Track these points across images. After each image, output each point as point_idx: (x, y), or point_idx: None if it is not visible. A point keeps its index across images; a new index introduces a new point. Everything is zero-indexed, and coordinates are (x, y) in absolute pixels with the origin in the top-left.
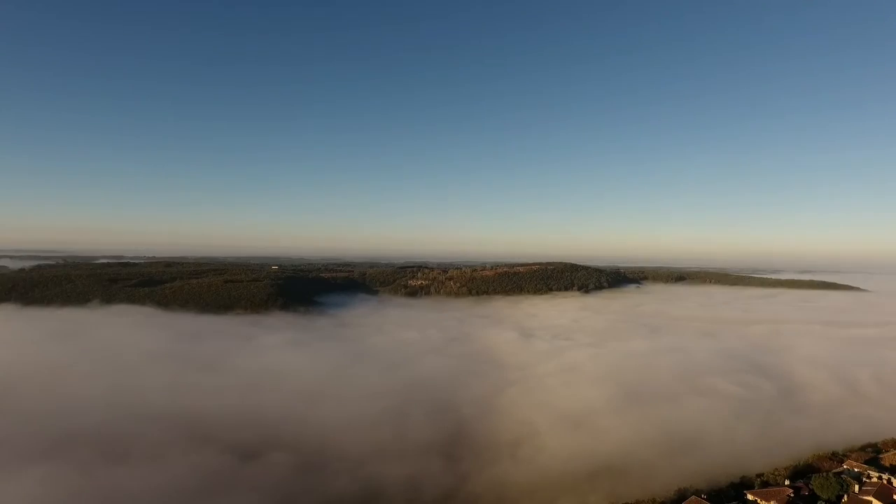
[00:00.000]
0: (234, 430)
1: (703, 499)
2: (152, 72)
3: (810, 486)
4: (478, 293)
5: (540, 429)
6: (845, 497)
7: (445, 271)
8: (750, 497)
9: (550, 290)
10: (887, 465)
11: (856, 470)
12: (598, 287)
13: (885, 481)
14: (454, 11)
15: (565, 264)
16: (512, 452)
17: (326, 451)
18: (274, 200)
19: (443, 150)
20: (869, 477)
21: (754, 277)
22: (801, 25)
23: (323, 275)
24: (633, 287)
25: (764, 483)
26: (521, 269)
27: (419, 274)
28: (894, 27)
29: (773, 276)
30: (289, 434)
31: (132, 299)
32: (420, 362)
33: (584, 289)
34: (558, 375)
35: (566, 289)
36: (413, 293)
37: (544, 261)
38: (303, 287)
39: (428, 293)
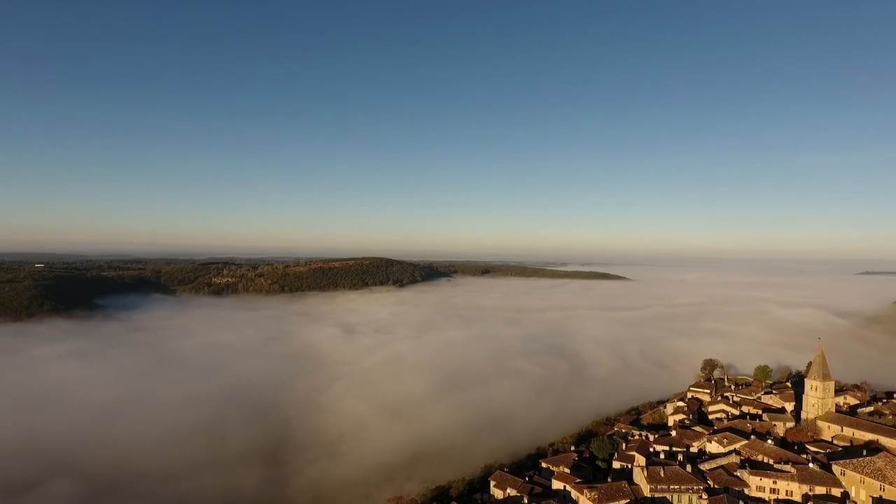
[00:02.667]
0: None
1: (506, 472)
2: None
3: (590, 448)
4: (291, 290)
5: (363, 422)
6: (616, 454)
7: (255, 267)
8: (544, 465)
9: (367, 285)
10: (646, 423)
11: (623, 430)
12: (413, 281)
13: (643, 437)
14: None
15: (381, 259)
16: (333, 450)
17: (126, 473)
18: (35, 188)
19: (251, 146)
20: (633, 435)
21: (546, 269)
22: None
23: (105, 273)
24: (444, 280)
25: (555, 451)
26: (336, 264)
27: (225, 270)
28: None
29: (562, 268)
30: (77, 459)
31: None
32: (237, 365)
33: (400, 283)
34: (382, 368)
35: (382, 283)
36: (218, 292)
37: (359, 256)
38: (79, 288)
39: (235, 291)
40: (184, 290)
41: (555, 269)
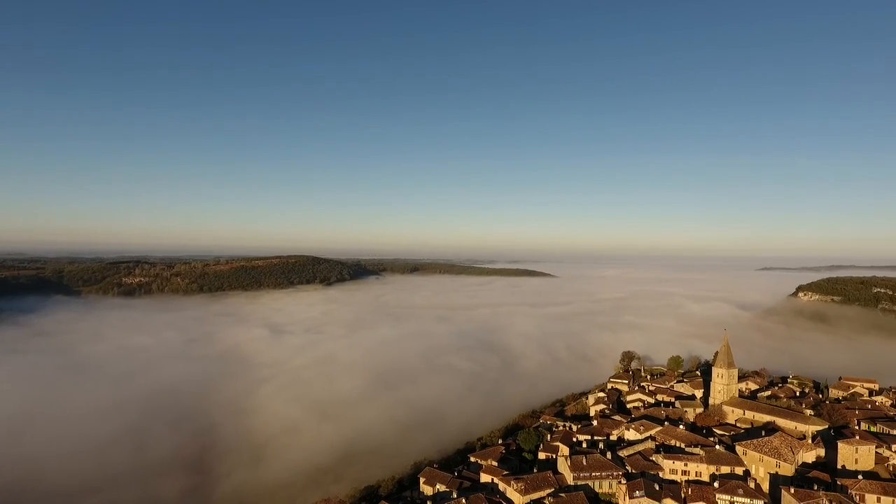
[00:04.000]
0: None
1: (435, 468)
2: None
3: (517, 441)
4: (211, 290)
5: (292, 425)
6: (541, 445)
7: (171, 266)
8: (472, 459)
9: (292, 283)
10: (569, 414)
11: (548, 422)
12: (341, 279)
13: (567, 428)
14: None
15: (307, 257)
16: (259, 454)
17: (34, 488)
18: None
19: (164, 138)
20: (557, 427)
21: (475, 267)
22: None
23: None
24: (373, 278)
25: (483, 445)
26: (259, 262)
27: (137, 270)
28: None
29: (489, 266)
30: None
31: None
32: (156, 370)
33: (327, 281)
34: (312, 368)
35: (308, 282)
36: (130, 292)
37: (284, 254)
38: None
39: (149, 292)
40: (90, 290)
41: (483, 266)
